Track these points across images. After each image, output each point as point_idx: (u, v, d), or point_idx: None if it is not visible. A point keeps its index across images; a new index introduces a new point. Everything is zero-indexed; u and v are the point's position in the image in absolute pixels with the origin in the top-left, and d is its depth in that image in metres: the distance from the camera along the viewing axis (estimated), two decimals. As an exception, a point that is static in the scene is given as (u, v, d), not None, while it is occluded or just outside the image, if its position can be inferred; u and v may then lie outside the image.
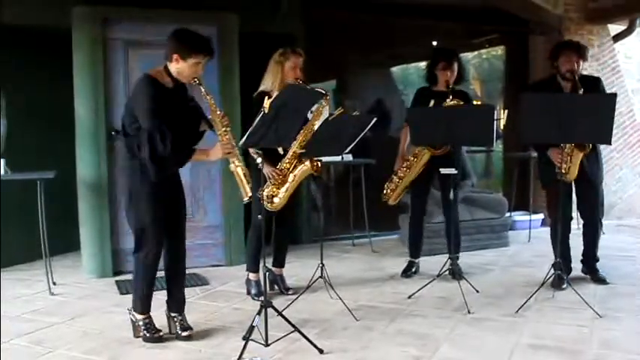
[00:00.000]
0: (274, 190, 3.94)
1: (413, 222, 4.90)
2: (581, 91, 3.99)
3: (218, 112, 3.27)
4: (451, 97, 4.43)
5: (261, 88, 4.12)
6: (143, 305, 3.42)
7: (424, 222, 4.93)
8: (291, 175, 3.93)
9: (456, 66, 4.62)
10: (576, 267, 4.59)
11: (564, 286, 4.20)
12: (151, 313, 3.47)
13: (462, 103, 4.48)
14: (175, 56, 3.21)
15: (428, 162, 4.59)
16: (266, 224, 3.76)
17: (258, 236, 4.03)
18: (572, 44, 4.40)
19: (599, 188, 4.45)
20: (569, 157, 4.06)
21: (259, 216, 3.71)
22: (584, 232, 4.53)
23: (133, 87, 3.34)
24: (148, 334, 3.39)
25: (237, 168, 3.32)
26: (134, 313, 3.45)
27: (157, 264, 3.39)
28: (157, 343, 3.36)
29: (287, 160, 3.95)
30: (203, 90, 3.25)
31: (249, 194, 3.34)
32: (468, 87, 6.50)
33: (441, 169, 4.37)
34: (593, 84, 4.32)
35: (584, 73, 4.46)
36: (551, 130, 3.80)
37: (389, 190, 4.72)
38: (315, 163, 3.91)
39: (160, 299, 3.58)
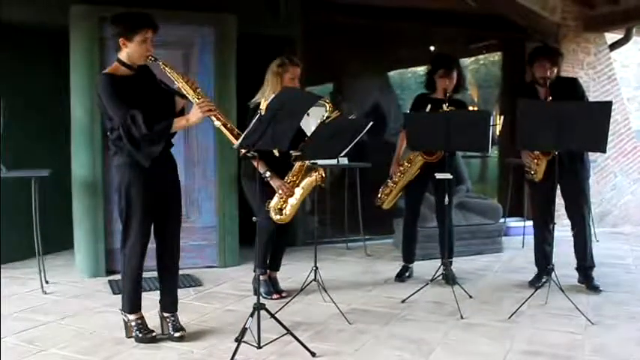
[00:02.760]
0: (282, 202, 3.98)
1: (406, 226, 4.90)
2: (549, 99, 4.14)
3: (182, 79, 3.25)
4: (447, 104, 4.40)
5: (259, 99, 4.06)
6: (132, 304, 3.40)
7: (417, 226, 4.93)
8: (298, 188, 3.99)
9: (455, 74, 4.57)
10: (572, 274, 4.60)
11: (539, 284, 4.31)
12: (145, 314, 3.46)
13: None
14: (121, 40, 3.21)
15: (422, 167, 4.59)
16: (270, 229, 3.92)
17: (270, 237, 4.13)
18: (545, 51, 4.44)
19: (586, 187, 4.48)
20: (536, 160, 4.27)
21: (254, 218, 3.70)
22: (575, 241, 4.54)
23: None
24: (140, 335, 3.38)
25: (220, 124, 3.25)
26: (126, 313, 3.43)
27: (142, 258, 3.35)
28: (150, 344, 3.35)
29: (294, 174, 4.01)
30: (161, 64, 3.23)
31: (235, 142, 3.24)
32: (466, 94, 6.51)
33: (436, 174, 4.37)
34: (569, 85, 4.40)
35: (564, 75, 4.56)
36: (547, 138, 3.83)
37: (383, 195, 4.73)
38: (319, 175, 3.98)
39: (153, 299, 3.57)
